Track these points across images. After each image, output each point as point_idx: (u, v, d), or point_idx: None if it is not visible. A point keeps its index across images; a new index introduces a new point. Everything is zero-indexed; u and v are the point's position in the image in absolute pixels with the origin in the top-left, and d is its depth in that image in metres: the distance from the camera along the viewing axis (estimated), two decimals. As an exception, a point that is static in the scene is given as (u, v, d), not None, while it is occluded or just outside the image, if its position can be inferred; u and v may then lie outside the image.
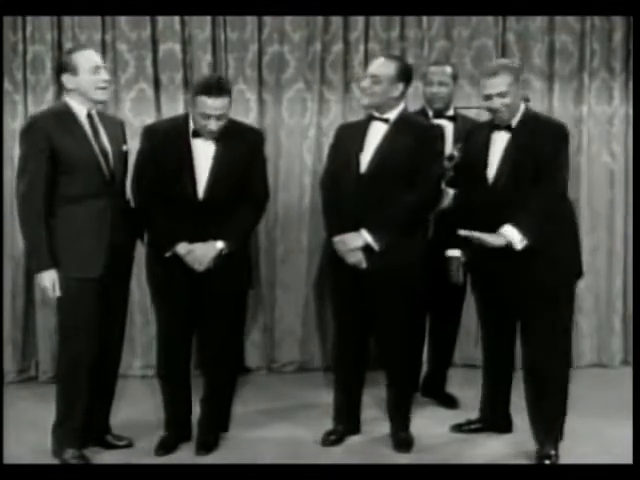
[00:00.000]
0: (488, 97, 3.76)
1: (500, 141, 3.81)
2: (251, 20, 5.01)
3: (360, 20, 5.06)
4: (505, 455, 3.96)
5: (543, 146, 3.69)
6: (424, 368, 4.72)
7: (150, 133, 3.92)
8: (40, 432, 3.97)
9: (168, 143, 3.81)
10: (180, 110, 4.86)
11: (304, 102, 5.11)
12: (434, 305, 4.52)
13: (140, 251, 4.82)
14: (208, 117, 3.72)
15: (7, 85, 4.90)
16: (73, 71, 3.70)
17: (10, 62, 4.89)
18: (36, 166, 3.65)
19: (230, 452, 4.01)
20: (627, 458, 3.68)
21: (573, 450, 3.90)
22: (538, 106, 5.06)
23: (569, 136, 3.77)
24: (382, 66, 3.91)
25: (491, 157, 3.82)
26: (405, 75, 3.93)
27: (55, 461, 3.83)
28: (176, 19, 4.96)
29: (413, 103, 4.87)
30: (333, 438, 4.10)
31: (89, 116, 3.76)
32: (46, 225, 3.69)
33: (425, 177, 3.85)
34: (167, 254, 3.82)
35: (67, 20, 4.89)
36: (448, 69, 4.50)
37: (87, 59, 3.72)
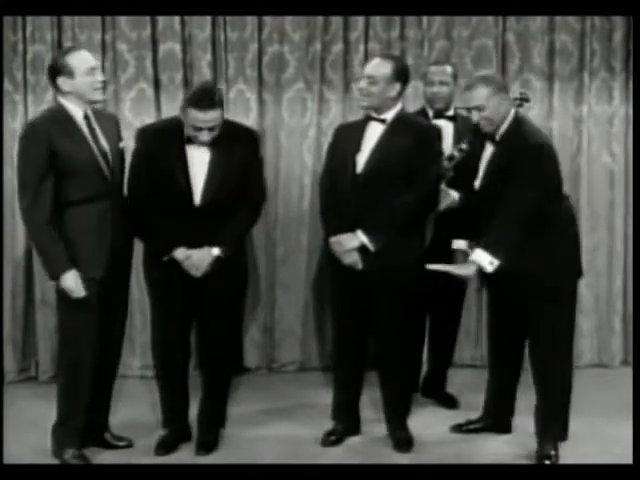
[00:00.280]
0: (468, 110, 3.78)
1: (488, 152, 3.82)
2: (251, 20, 5.00)
3: (360, 20, 5.05)
4: (505, 455, 3.97)
5: (516, 165, 3.64)
6: (424, 368, 4.72)
7: (145, 135, 3.91)
8: (40, 432, 3.97)
9: (163, 146, 3.79)
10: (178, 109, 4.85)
11: (304, 102, 5.11)
12: (434, 305, 4.52)
13: (139, 251, 4.83)
14: (199, 129, 3.71)
15: (7, 85, 4.89)
16: (69, 74, 3.67)
17: (10, 62, 4.88)
18: (39, 172, 3.63)
19: (230, 452, 4.02)
20: (627, 458, 3.68)
21: (573, 450, 3.90)
22: (538, 106, 5.09)
23: (545, 154, 3.69)
24: (378, 66, 3.90)
25: (481, 166, 3.84)
26: (402, 74, 3.92)
27: (55, 461, 3.84)
28: (176, 19, 4.96)
29: (413, 103, 4.88)
30: (333, 438, 4.10)
31: (86, 117, 3.75)
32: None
33: (422, 177, 3.85)
34: (164, 258, 3.83)
35: (67, 20, 4.88)
36: (449, 69, 4.50)
37: (82, 61, 3.70)
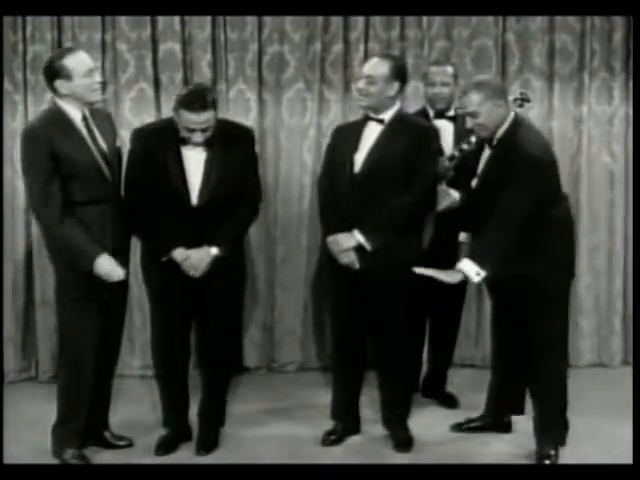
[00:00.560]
0: (466, 116, 3.78)
1: (486, 154, 3.82)
2: (251, 20, 5.00)
3: (360, 20, 5.05)
4: (505, 455, 3.97)
5: (508, 175, 3.63)
6: (424, 368, 4.72)
7: (140, 135, 3.91)
8: (40, 432, 3.97)
9: (159, 146, 3.79)
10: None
11: (304, 102, 5.11)
12: (434, 305, 4.52)
13: (138, 250, 4.83)
14: (192, 131, 3.70)
15: (7, 85, 4.89)
16: (67, 77, 3.65)
17: (10, 62, 4.88)
18: (45, 174, 3.62)
19: (230, 452, 4.02)
20: (627, 458, 3.68)
21: (573, 450, 3.90)
22: (538, 106, 5.08)
23: (538, 165, 3.64)
24: (376, 66, 3.90)
25: (479, 167, 3.84)
26: (400, 73, 3.92)
27: (55, 461, 3.84)
28: (176, 19, 4.96)
29: (413, 103, 4.88)
30: (333, 438, 4.10)
31: (84, 119, 3.74)
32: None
33: (420, 177, 3.85)
34: (163, 259, 3.83)
35: (67, 20, 4.88)
36: (449, 69, 4.49)
37: (80, 63, 3.68)
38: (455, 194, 3.99)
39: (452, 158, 4.15)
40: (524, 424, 4.00)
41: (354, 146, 3.93)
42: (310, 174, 5.08)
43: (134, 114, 4.97)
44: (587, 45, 5.14)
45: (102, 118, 3.87)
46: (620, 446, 3.94)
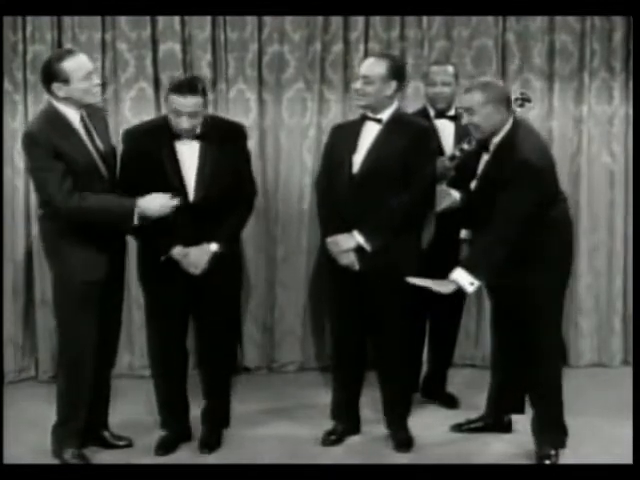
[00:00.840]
0: (462, 112, 3.77)
1: (484, 158, 3.81)
2: (251, 20, 5.00)
3: (360, 20, 5.05)
4: (505, 455, 3.97)
5: (505, 183, 3.61)
6: (424, 368, 4.72)
7: (131, 136, 3.91)
8: (40, 432, 3.97)
9: (152, 145, 3.79)
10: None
11: (304, 102, 5.11)
12: (434, 306, 4.51)
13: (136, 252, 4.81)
14: (180, 115, 3.71)
15: (7, 85, 4.89)
16: (64, 80, 3.64)
17: (10, 62, 4.88)
18: (56, 168, 3.60)
19: (230, 452, 4.02)
20: (627, 458, 3.68)
21: (573, 450, 3.90)
22: (538, 106, 5.08)
23: (535, 171, 3.61)
24: (373, 66, 3.90)
25: (478, 170, 3.84)
26: (397, 73, 3.92)
27: (55, 461, 3.84)
28: (176, 19, 4.96)
29: (414, 103, 4.88)
30: (333, 438, 4.10)
31: (82, 119, 3.74)
32: (56, 221, 3.69)
33: (418, 177, 3.85)
34: (162, 258, 3.82)
35: (67, 20, 4.88)
36: (450, 69, 4.49)
37: (79, 67, 3.66)
38: (455, 194, 3.98)
39: (453, 158, 4.15)
40: (524, 424, 4.00)
41: (352, 146, 3.93)
42: (310, 174, 5.08)
43: (134, 114, 4.97)
44: (587, 45, 5.14)
45: (98, 118, 3.86)
46: (620, 446, 3.94)
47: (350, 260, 3.88)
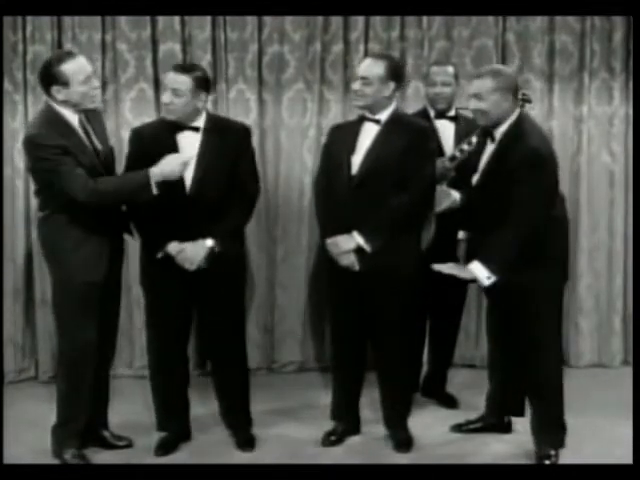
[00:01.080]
0: (470, 97, 3.75)
1: (489, 148, 3.80)
2: (251, 20, 5.00)
3: (360, 20, 5.05)
4: (505, 455, 3.97)
5: (517, 174, 3.60)
6: (424, 368, 4.72)
7: (137, 135, 3.94)
8: (40, 432, 3.97)
9: (155, 142, 3.80)
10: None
11: (304, 102, 5.11)
12: (434, 306, 4.52)
13: (136, 250, 4.83)
14: (165, 89, 3.79)
15: (7, 85, 4.89)
16: (64, 84, 3.63)
17: (10, 62, 4.88)
18: (63, 161, 3.59)
19: (230, 452, 4.02)
20: (627, 458, 3.68)
21: (573, 450, 3.90)
22: (538, 106, 5.08)
23: (544, 160, 3.63)
24: (371, 67, 3.89)
25: (480, 164, 3.82)
26: (395, 73, 3.91)
27: (55, 461, 3.84)
28: (176, 19, 4.96)
29: (414, 103, 4.88)
30: (333, 438, 4.10)
31: (80, 121, 3.74)
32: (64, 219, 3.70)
33: (418, 178, 3.84)
34: (159, 255, 3.82)
35: (67, 20, 4.88)
36: (450, 69, 4.48)
37: (78, 70, 3.65)
38: (455, 194, 3.98)
39: (453, 158, 4.15)
40: (524, 424, 4.00)
41: (351, 147, 3.93)
42: (310, 174, 5.07)
43: (134, 114, 4.97)
44: (587, 45, 5.14)
45: (95, 119, 3.87)
46: (620, 446, 3.94)
47: (350, 261, 3.88)
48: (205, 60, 4.98)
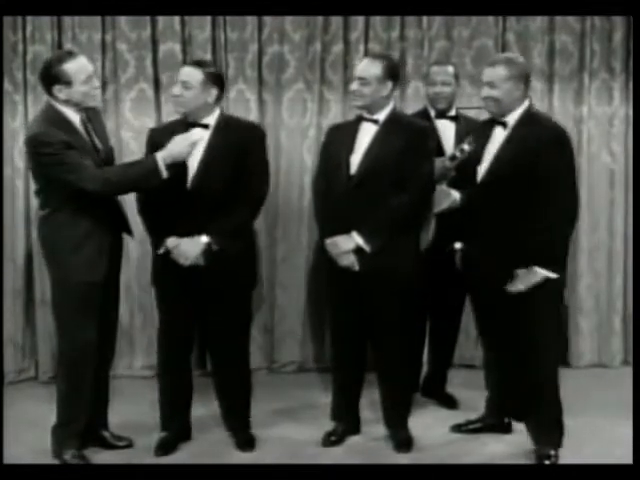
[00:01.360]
0: (483, 85, 3.78)
1: (498, 137, 3.80)
2: (251, 20, 5.00)
3: (360, 20, 5.05)
4: (505, 455, 3.97)
5: (542, 151, 3.63)
6: (424, 368, 4.72)
7: (153, 134, 3.98)
8: (40, 432, 3.97)
9: (168, 139, 3.79)
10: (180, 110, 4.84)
11: (304, 102, 5.11)
12: (435, 306, 4.52)
13: (137, 250, 4.84)
14: (176, 82, 3.83)
15: (7, 85, 4.89)
16: (67, 83, 3.63)
17: (10, 62, 4.88)
18: (70, 155, 3.59)
19: (230, 452, 4.02)
20: (627, 458, 3.68)
21: (573, 450, 3.90)
22: (538, 106, 5.07)
23: (569, 141, 3.73)
24: (368, 67, 3.89)
25: (486, 153, 3.81)
26: (392, 73, 3.91)
27: (55, 461, 3.84)
28: (176, 19, 4.96)
29: (414, 104, 4.88)
30: (333, 439, 4.10)
31: (82, 121, 3.74)
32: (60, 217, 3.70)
33: (416, 177, 3.84)
34: (160, 251, 3.83)
35: (67, 20, 4.88)
36: (450, 69, 4.48)
37: (80, 69, 3.65)
38: (455, 194, 3.97)
39: (453, 158, 4.13)
40: (524, 424, 4.00)
41: (349, 147, 3.92)
42: (310, 174, 5.07)
43: (134, 114, 4.97)
44: (587, 45, 5.15)
45: (95, 118, 3.87)
46: (620, 446, 3.94)
47: (350, 261, 3.88)
48: (205, 60, 4.99)
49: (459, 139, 4.29)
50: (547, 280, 3.70)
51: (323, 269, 4.23)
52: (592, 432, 4.17)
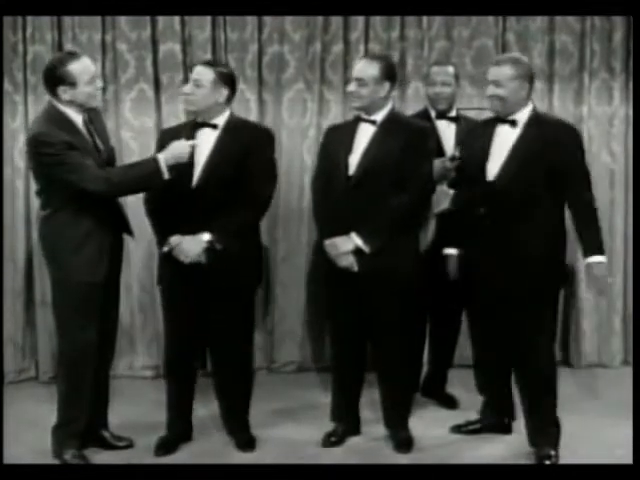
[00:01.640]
0: (488, 84, 3.78)
1: (504, 135, 3.78)
2: (251, 20, 5.00)
3: (360, 20, 5.05)
4: (505, 455, 3.96)
5: (560, 152, 3.69)
6: (424, 369, 4.72)
7: (163, 135, 4.01)
8: (40, 432, 3.97)
9: (176, 139, 3.80)
10: (180, 110, 4.85)
11: (304, 102, 5.11)
12: (435, 306, 4.52)
13: (137, 250, 4.83)
14: (188, 82, 3.86)
15: (7, 85, 4.89)
16: (71, 84, 3.64)
17: (10, 62, 4.88)
18: (71, 155, 3.59)
19: (230, 452, 4.02)
20: (627, 458, 3.68)
21: (573, 450, 3.90)
22: (538, 106, 5.06)
23: (579, 134, 3.84)
24: (365, 68, 3.89)
25: (493, 151, 3.79)
26: (390, 73, 3.91)
27: (55, 461, 3.84)
28: (176, 19, 4.96)
29: (414, 104, 4.88)
30: (333, 439, 4.10)
31: (84, 122, 3.74)
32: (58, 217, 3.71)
33: (415, 177, 3.84)
34: (164, 249, 3.83)
35: (67, 20, 4.88)
36: (450, 69, 4.48)
37: (84, 70, 3.66)
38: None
39: (453, 159, 4.14)
40: (524, 424, 4.00)
41: (348, 147, 3.92)
42: (310, 174, 5.07)
43: (134, 115, 4.97)
44: (587, 45, 5.15)
45: (96, 118, 3.87)
46: (620, 446, 3.94)
47: (349, 262, 3.87)
48: (205, 60, 4.99)
49: (459, 140, 4.29)
50: (547, 280, 3.71)
51: (320, 270, 4.23)
52: (592, 432, 4.17)
